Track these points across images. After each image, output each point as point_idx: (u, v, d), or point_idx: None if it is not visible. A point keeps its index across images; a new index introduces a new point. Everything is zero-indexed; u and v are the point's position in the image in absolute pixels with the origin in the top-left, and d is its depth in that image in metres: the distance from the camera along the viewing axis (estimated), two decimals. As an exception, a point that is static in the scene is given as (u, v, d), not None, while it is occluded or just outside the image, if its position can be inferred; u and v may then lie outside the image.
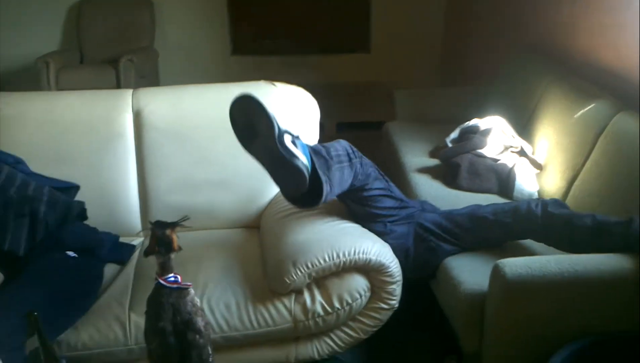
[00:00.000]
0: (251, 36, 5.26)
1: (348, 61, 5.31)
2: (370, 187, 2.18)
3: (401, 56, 5.24)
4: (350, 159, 2.09)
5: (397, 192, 2.29)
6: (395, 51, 5.25)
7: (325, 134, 4.81)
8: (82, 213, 2.26)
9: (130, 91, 2.56)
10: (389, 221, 2.20)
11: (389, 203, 2.23)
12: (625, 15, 2.56)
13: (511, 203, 2.20)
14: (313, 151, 2.00)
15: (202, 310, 1.40)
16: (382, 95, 4.55)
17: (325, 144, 2.10)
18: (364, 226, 2.21)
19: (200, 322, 1.38)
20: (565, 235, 2.02)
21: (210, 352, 1.40)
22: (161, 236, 1.35)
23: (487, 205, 2.23)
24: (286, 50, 5.26)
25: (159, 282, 1.37)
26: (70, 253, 2.04)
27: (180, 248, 1.37)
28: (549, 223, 2.05)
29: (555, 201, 2.13)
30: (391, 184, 2.29)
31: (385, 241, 2.15)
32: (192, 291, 1.39)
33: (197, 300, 1.40)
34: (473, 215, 2.21)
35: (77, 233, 2.17)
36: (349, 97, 5.11)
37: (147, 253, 1.38)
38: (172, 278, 1.38)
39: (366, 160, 2.20)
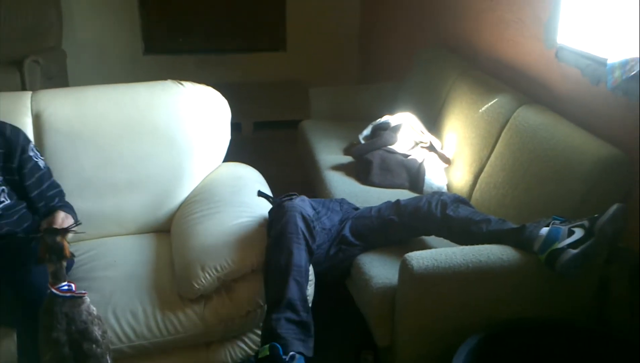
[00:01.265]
0: (164, 35, 5.13)
1: (265, 60, 5.28)
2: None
3: (318, 54, 5.26)
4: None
5: (327, 223, 2.29)
6: (312, 49, 5.26)
7: (243, 134, 4.79)
8: None
9: (29, 93, 2.44)
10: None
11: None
12: (524, 11, 2.65)
13: (415, 201, 2.22)
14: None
15: (100, 318, 1.35)
16: (299, 93, 4.54)
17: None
18: None
19: (96, 331, 1.32)
20: (463, 238, 2.07)
21: (109, 361, 1.34)
22: (51, 244, 1.29)
23: (394, 203, 2.26)
24: (201, 49, 5.17)
25: (52, 291, 1.31)
26: None
27: (73, 255, 1.31)
28: (447, 225, 2.10)
29: (455, 199, 2.17)
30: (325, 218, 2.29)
31: None
32: (87, 299, 1.33)
33: (94, 309, 1.34)
34: (381, 218, 2.23)
35: None
36: (266, 97, 5.08)
37: (38, 260, 1.31)
38: (66, 287, 1.31)
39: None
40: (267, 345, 1.87)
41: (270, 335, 1.91)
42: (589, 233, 1.82)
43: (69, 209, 2.12)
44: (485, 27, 3.05)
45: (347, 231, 2.26)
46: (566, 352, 1.88)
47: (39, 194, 2.10)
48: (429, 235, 2.23)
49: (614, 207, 1.81)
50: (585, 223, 1.85)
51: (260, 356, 1.88)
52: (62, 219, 1.92)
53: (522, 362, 1.89)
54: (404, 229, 2.19)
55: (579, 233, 1.83)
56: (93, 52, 5.05)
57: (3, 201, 2.01)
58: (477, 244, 1.95)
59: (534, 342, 1.89)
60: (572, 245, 1.82)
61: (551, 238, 1.85)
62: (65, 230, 1.31)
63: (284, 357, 1.85)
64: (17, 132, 2.11)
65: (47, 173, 2.16)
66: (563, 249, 1.82)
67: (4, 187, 2.04)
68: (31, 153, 2.11)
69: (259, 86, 5.14)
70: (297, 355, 1.88)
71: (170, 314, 1.97)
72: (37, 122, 2.35)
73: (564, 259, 1.80)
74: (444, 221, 2.10)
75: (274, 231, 2.06)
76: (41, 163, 2.14)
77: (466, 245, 1.98)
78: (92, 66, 5.03)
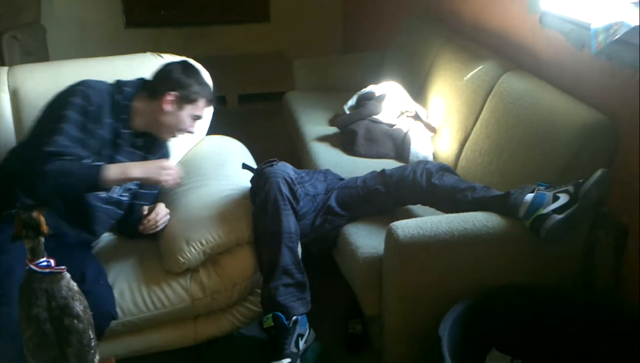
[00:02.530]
0: (145, 8, 5.03)
1: (249, 31, 5.21)
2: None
3: (302, 25, 5.19)
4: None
5: (311, 189, 2.28)
6: (296, 19, 5.19)
7: (228, 107, 4.75)
8: None
9: (5, 69, 2.39)
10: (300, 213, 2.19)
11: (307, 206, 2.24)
12: (509, -22, 2.62)
13: (400, 170, 2.20)
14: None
15: (81, 293, 1.33)
16: (283, 65, 4.50)
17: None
18: None
19: (78, 307, 1.31)
20: (448, 207, 2.07)
21: (92, 336, 1.33)
22: (27, 219, 1.26)
23: (379, 173, 2.25)
24: (184, 21, 5.08)
25: (30, 268, 1.29)
26: None
27: (50, 232, 1.29)
28: (433, 194, 2.09)
29: (440, 168, 2.15)
30: (308, 185, 2.29)
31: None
32: (67, 275, 1.31)
33: (74, 284, 1.32)
34: (366, 188, 2.22)
35: None
36: (251, 69, 5.02)
37: (14, 237, 1.29)
38: (45, 263, 1.29)
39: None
40: (270, 315, 1.96)
41: (271, 304, 1.98)
42: (573, 198, 1.82)
43: None
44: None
45: (332, 202, 2.24)
46: (552, 318, 1.89)
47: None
48: (415, 204, 2.22)
49: (599, 172, 1.81)
50: (570, 188, 1.85)
51: (265, 326, 1.97)
52: (163, 210, 2.07)
53: (509, 329, 1.90)
54: (389, 198, 2.18)
55: (563, 199, 1.83)
56: (73, 27, 4.96)
57: (122, 198, 2.10)
58: (463, 212, 1.95)
59: (520, 309, 1.89)
60: (557, 211, 1.82)
61: (536, 204, 1.85)
62: (42, 205, 1.29)
63: (286, 323, 1.95)
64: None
65: None
66: (548, 214, 1.82)
67: (136, 189, 2.16)
68: None
69: (244, 59, 5.08)
70: (299, 318, 1.99)
71: (156, 289, 1.96)
72: (14, 99, 2.31)
73: (549, 224, 1.80)
74: (429, 190, 2.09)
75: (259, 199, 2.05)
76: None
77: (452, 213, 1.98)
78: (73, 42, 4.94)
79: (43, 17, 4.77)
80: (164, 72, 2.11)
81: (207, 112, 2.23)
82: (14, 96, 2.31)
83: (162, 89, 2.05)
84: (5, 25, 4.40)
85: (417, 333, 1.96)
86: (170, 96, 2.04)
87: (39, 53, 4.67)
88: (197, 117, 2.14)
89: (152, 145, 2.16)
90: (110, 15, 5.01)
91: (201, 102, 2.12)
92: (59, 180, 1.79)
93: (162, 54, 2.50)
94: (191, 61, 2.26)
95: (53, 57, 4.78)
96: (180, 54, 2.56)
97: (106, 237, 2.21)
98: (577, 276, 2.01)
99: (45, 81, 2.35)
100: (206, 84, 2.17)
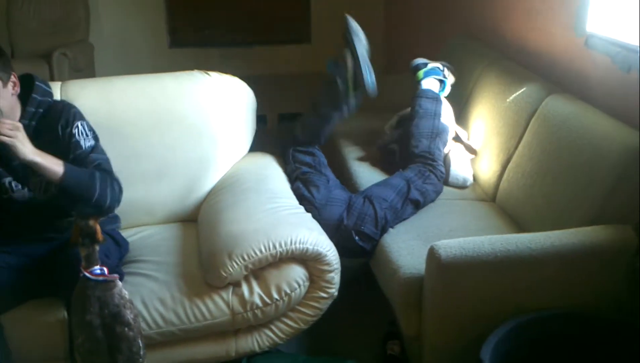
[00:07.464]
0: (190, 28, 5.14)
1: (290, 52, 5.27)
2: None
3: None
4: None
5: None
6: (337, 40, 5.23)
7: (268, 126, 4.80)
8: None
9: (58, 84, 2.47)
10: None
11: None
12: (554, 0, 2.62)
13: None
14: None
15: (132, 302, 1.37)
16: (324, 85, 4.53)
17: None
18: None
19: (129, 315, 1.34)
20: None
21: (141, 345, 1.36)
22: (84, 227, 1.31)
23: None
24: (226, 41, 5.17)
25: (85, 275, 1.33)
26: None
27: (105, 239, 1.33)
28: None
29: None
30: None
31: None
32: (119, 283, 1.35)
33: (125, 293, 1.36)
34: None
35: None
36: (292, 89, 5.06)
37: (71, 244, 1.33)
38: (98, 271, 1.33)
39: None
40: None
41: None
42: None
43: None
44: (514, 16, 3.01)
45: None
46: (596, 343, 1.86)
47: None
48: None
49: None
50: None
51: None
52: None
53: (552, 352, 1.88)
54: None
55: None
56: (120, 46, 5.09)
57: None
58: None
59: (563, 332, 1.87)
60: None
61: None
62: (98, 214, 1.33)
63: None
64: None
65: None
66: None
67: None
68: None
69: (284, 78, 5.13)
70: None
71: (198, 301, 1.99)
72: (66, 113, 2.38)
73: None
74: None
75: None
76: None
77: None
78: (119, 60, 5.06)
79: (92, 35, 4.92)
80: None
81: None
82: (66, 110, 2.38)
83: None
84: (57, 43, 4.57)
85: (457, 355, 1.95)
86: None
87: (87, 70, 4.81)
88: None
89: None
90: (155, 35, 5.13)
91: None
92: None
93: (209, 72, 2.55)
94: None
95: (99, 74, 4.92)
96: (222, 73, 2.63)
97: (151, 248, 2.25)
98: (623, 301, 1.97)
99: (96, 96, 2.42)
100: None
